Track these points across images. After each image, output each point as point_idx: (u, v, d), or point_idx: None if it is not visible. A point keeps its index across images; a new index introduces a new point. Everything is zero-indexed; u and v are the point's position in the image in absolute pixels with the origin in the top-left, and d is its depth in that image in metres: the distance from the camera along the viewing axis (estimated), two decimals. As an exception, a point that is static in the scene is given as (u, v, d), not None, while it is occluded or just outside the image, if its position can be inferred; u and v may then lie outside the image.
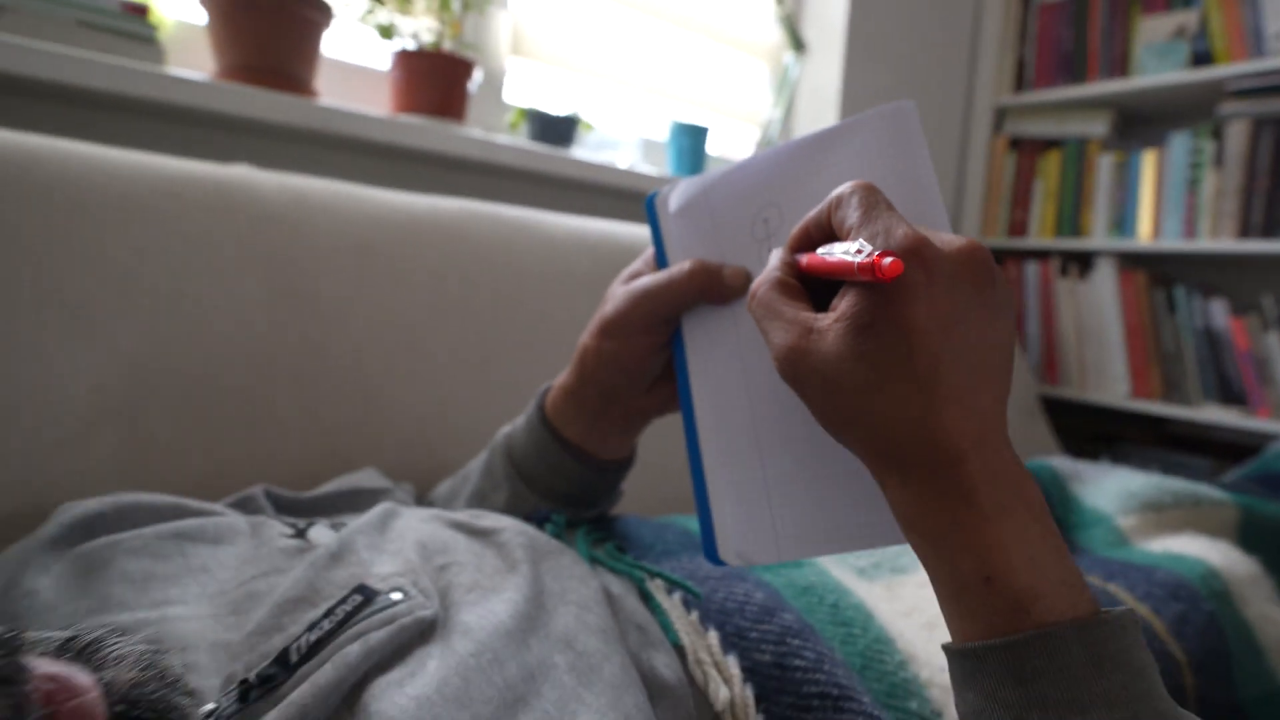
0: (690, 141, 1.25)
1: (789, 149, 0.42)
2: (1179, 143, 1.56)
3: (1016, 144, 1.79)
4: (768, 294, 0.33)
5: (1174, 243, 1.55)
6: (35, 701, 0.24)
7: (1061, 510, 0.84)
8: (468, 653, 0.32)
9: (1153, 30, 1.60)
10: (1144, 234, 1.60)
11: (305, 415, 0.64)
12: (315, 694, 0.29)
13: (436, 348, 0.72)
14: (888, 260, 0.28)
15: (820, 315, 0.31)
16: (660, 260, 0.45)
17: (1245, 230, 1.47)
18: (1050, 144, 1.75)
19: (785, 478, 0.39)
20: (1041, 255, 1.73)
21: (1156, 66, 1.58)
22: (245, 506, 0.50)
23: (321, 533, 0.44)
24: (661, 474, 0.77)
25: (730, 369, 0.41)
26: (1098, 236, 1.66)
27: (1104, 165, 1.66)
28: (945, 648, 0.29)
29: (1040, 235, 1.74)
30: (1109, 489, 0.88)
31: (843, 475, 0.37)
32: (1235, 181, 1.48)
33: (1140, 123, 1.74)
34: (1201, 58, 1.54)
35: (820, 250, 0.33)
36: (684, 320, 0.44)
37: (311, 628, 0.33)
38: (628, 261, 0.94)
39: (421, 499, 0.62)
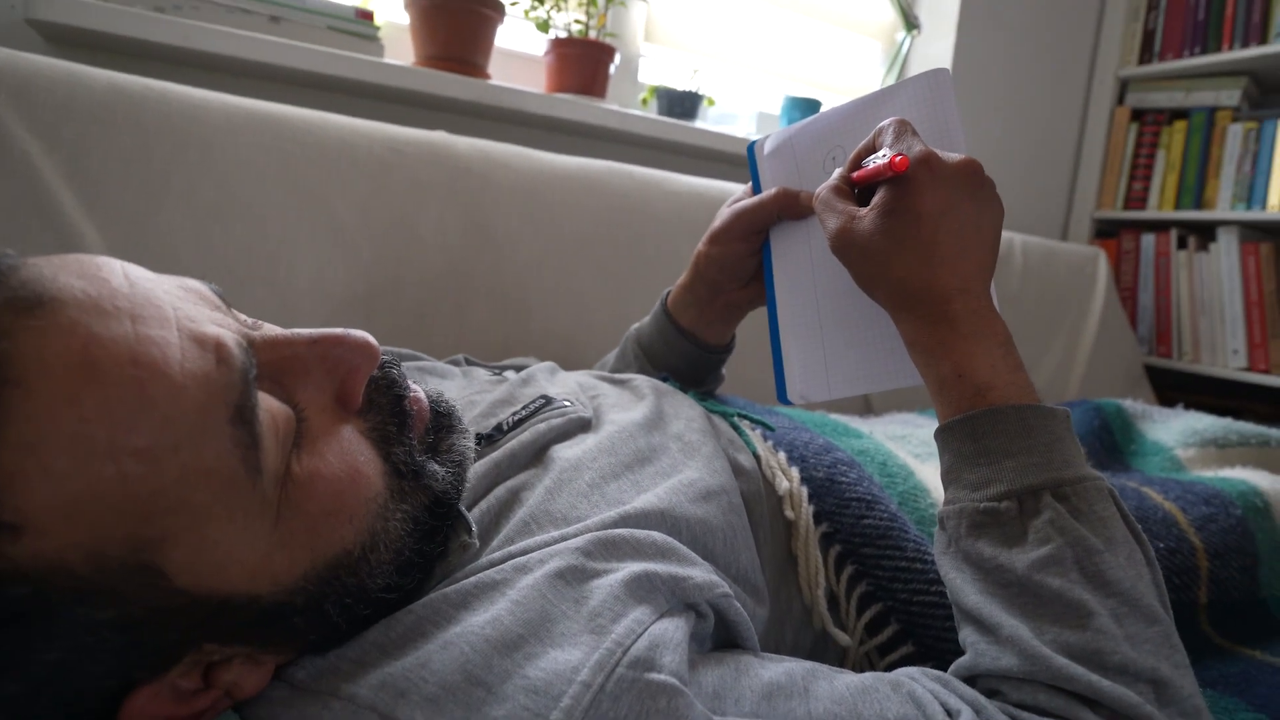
0: (801, 114, 1.38)
1: (852, 106, 0.57)
2: (1315, 111, 1.52)
3: (1139, 115, 1.79)
4: (826, 194, 0.49)
5: (1303, 213, 1.52)
6: (406, 380, 0.41)
7: (1121, 439, 0.93)
8: (614, 431, 0.50)
9: (1293, -5, 1.56)
10: (1274, 203, 1.57)
11: (487, 316, 0.85)
12: (520, 445, 0.47)
13: (580, 276, 0.92)
14: (898, 158, 0.43)
15: (862, 208, 0.47)
16: (756, 190, 0.61)
17: (1383, 200, 1.43)
18: (1176, 114, 1.74)
19: (836, 339, 0.54)
20: (1159, 227, 1.73)
21: (1295, 32, 1.55)
22: (454, 364, 0.70)
23: (510, 374, 0.63)
24: (752, 379, 0.94)
25: (802, 264, 0.57)
26: (1222, 207, 1.65)
27: (1233, 135, 1.64)
28: (935, 434, 0.44)
29: (1160, 207, 1.73)
30: (1175, 427, 0.95)
31: (875, 336, 0.53)
32: (1374, 150, 1.44)
33: (1276, 90, 1.70)
34: (1346, 22, 1.50)
35: (865, 160, 0.48)
36: (771, 232, 0.60)
37: (514, 414, 0.51)
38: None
39: (570, 386, 0.82)
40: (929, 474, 0.68)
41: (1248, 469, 0.88)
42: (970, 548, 0.40)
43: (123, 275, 0.31)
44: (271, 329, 0.35)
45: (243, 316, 0.35)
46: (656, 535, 0.39)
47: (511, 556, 0.37)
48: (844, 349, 0.54)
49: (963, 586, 0.40)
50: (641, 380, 0.60)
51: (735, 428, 0.59)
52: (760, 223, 0.59)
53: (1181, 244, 1.70)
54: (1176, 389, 1.70)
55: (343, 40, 0.99)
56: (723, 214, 0.61)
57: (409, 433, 0.38)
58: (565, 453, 0.47)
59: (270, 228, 0.77)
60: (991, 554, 0.39)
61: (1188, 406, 1.72)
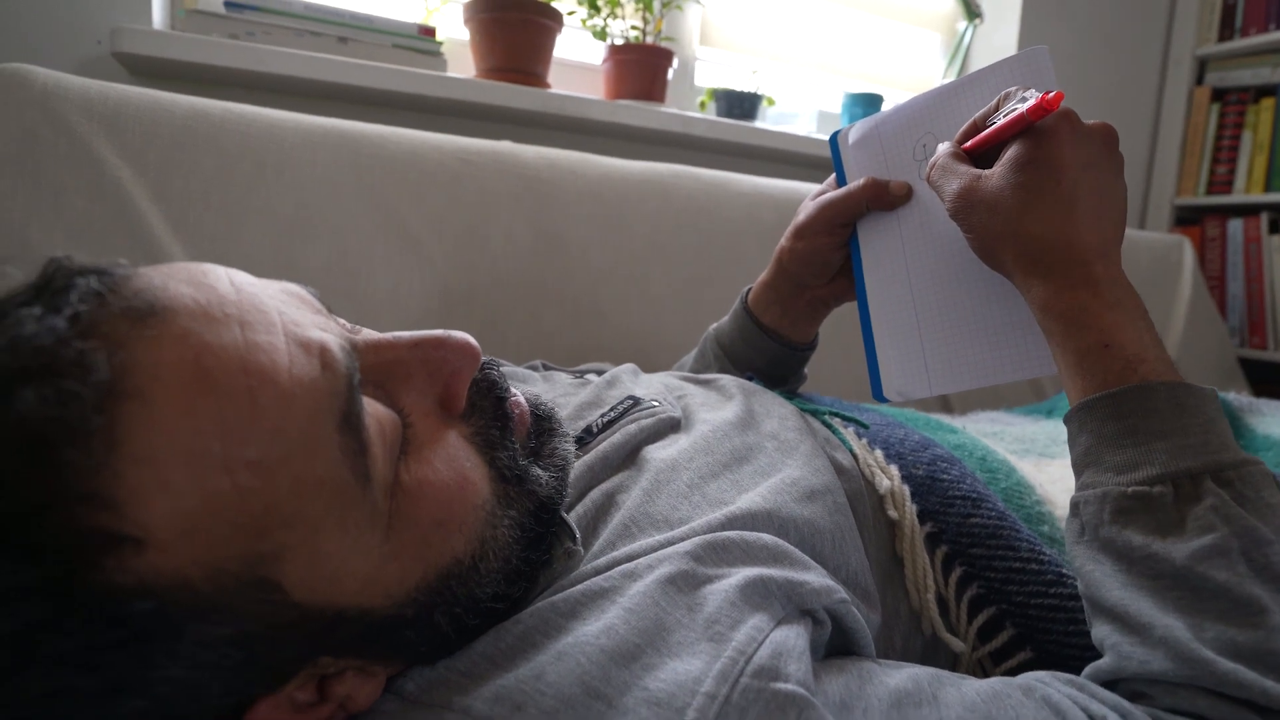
0: (862, 110, 1.35)
1: (941, 91, 0.54)
2: None
3: (1220, 95, 1.70)
4: (946, 160, 0.47)
5: None
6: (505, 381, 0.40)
7: (1230, 433, 0.87)
8: (707, 430, 0.48)
9: (1388, -41, 1.47)
10: (1374, 182, 1.48)
11: (559, 323, 0.85)
12: (611, 447, 0.46)
13: (652, 279, 0.91)
14: (1052, 94, 0.41)
15: (984, 170, 0.45)
16: (840, 182, 0.59)
17: None
18: (1262, 92, 1.65)
19: (934, 333, 0.52)
20: (1248, 211, 1.64)
21: (1392, -1, 1.45)
22: (533, 370, 0.70)
23: (591, 377, 0.62)
24: (836, 376, 0.91)
25: (894, 257, 0.55)
26: (1316, 188, 1.55)
27: (1326, 111, 1.54)
28: (1066, 415, 0.41)
29: (1247, 190, 1.64)
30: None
31: (980, 326, 0.50)
32: None
33: (1373, 62, 1.59)
34: None
35: (989, 120, 0.46)
36: (859, 225, 0.58)
37: (603, 416, 0.50)
38: (805, 215, 1.09)
39: (644, 390, 0.81)
40: (1029, 470, 0.65)
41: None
42: (1114, 535, 0.37)
43: (228, 281, 0.30)
44: (371, 334, 0.35)
45: (343, 321, 0.35)
46: (766, 537, 0.37)
47: (618, 563, 0.36)
48: (945, 342, 0.51)
49: (1102, 580, 0.37)
50: (727, 380, 0.59)
51: (828, 425, 0.57)
52: (848, 215, 0.57)
53: (1274, 228, 1.60)
54: (1274, 381, 1.60)
55: (407, 57, 1.00)
56: (807, 207, 0.59)
57: (512, 437, 0.37)
58: (659, 454, 0.45)
59: (347, 242, 0.78)
60: (1142, 543, 0.36)
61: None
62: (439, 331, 0.34)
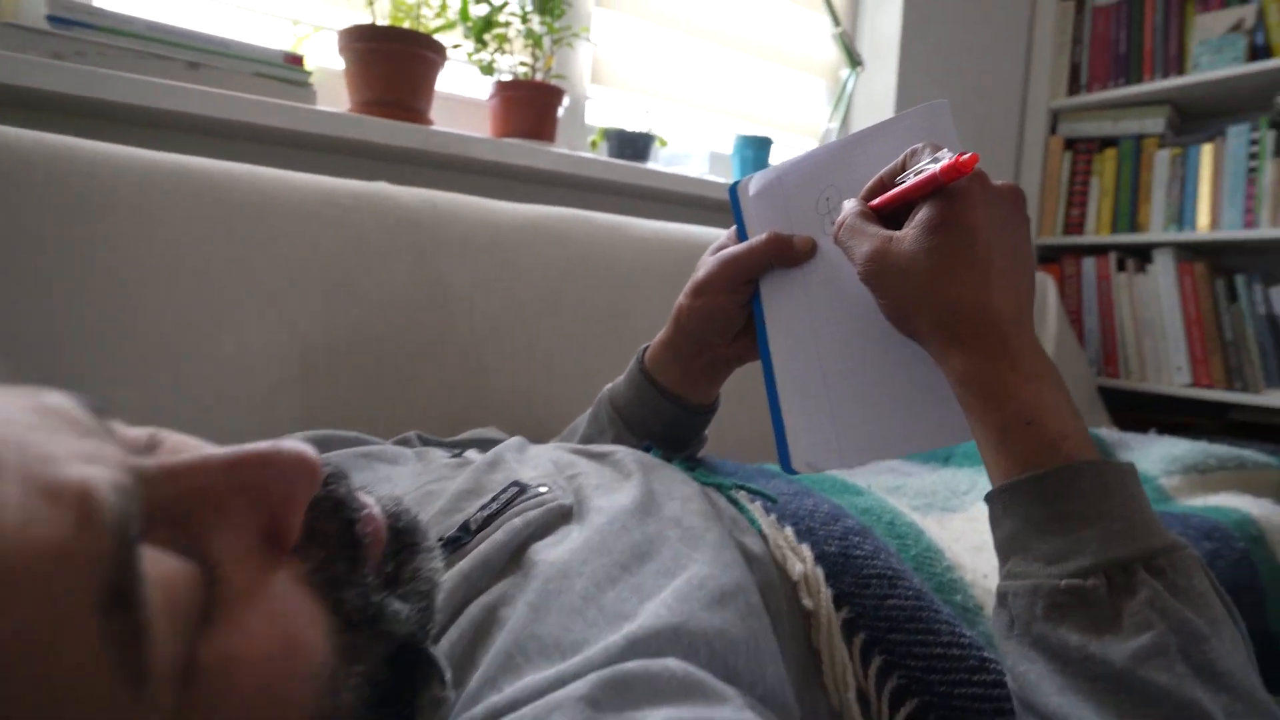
0: (754, 152, 1.36)
1: (843, 143, 0.53)
2: (1237, 135, 1.59)
3: (1072, 144, 1.84)
4: (854, 220, 0.45)
5: (1234, 232, 1.57)
6: (358, 494, 0.34)
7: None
8: (603, 522, 0.43)
9: (1208, 26, 1.64)
10: (1203, 225, 1.63)
11: (438, 384, 0.78)
12: (492, 549, 0.40)
13: (543, 331, 0.85)
14: (966, 155, 0.39)
15: (895, 230, 0.43)
16: (741, 235, 0.56)
17: (1307, 218, 1.49)
18: (1106, 142, 1.80)
19: (846, 400, 0.49)
20: (1098, 251, 1.77)
21: (1212, 62, 1.62)
22: (406, 444, 0.62)
23: (474, 454, 0.56)
24: (737, 431, 0.88)
25: (800, 317, 0.52)
26: (1155, 230, 1.69)
27: (1160, 161, 1.70)
28: (988, 495, 0.39)
29: (1097, 232, 1.78)
30: (1154, 454, 0.94)
31: (894, 392, 0.48)
32: (1295, 171, 1.51)
33: (1197, 117, 1.77)
34: (1260, 51, 1.57)
35: (897, 179, 0.44)
36: (761, 281, 0.55)
37: (483, 508, 0.44)
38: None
39: (537, 452, 0.75)
40: (934, 529, 0.63)
41: (1233, 494, 0.87)
42: (1048, 633, 0.35)
43: None
44: (174, 446, 0.27)
45: (133, 433, 0.27)
46: (673, 664, 0.32)
47: (498, 715, 0.30)
48: (855, 409, 0.49)
49: (1037, 683, 0.35)
50: (623, 452, 0.54)
51: (734, 501, 0.54)
52: (750, 271, 0.54)
53: (1121, 266, 1.74)
54: (1127, 409, 1.72)
55: (271, 87, 0.91)
56: (706, 263, 0.56)
57: (364, 568, 0.30)
58: (549, 554, 0.40)
59: (190, 297, 0.68)
60: (1079, 642, 0.33)
61: (1138, 426, 1.75)
62: (264, 446, 0.27)
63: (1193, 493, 0.89)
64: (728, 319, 0.56)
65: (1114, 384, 1.73)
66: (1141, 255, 1.72)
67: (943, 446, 0.47)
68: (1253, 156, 1.57)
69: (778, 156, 1.48)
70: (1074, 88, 1.84)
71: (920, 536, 0.59)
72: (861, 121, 1.64)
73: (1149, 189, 1.72)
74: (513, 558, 0.40)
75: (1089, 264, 1.77)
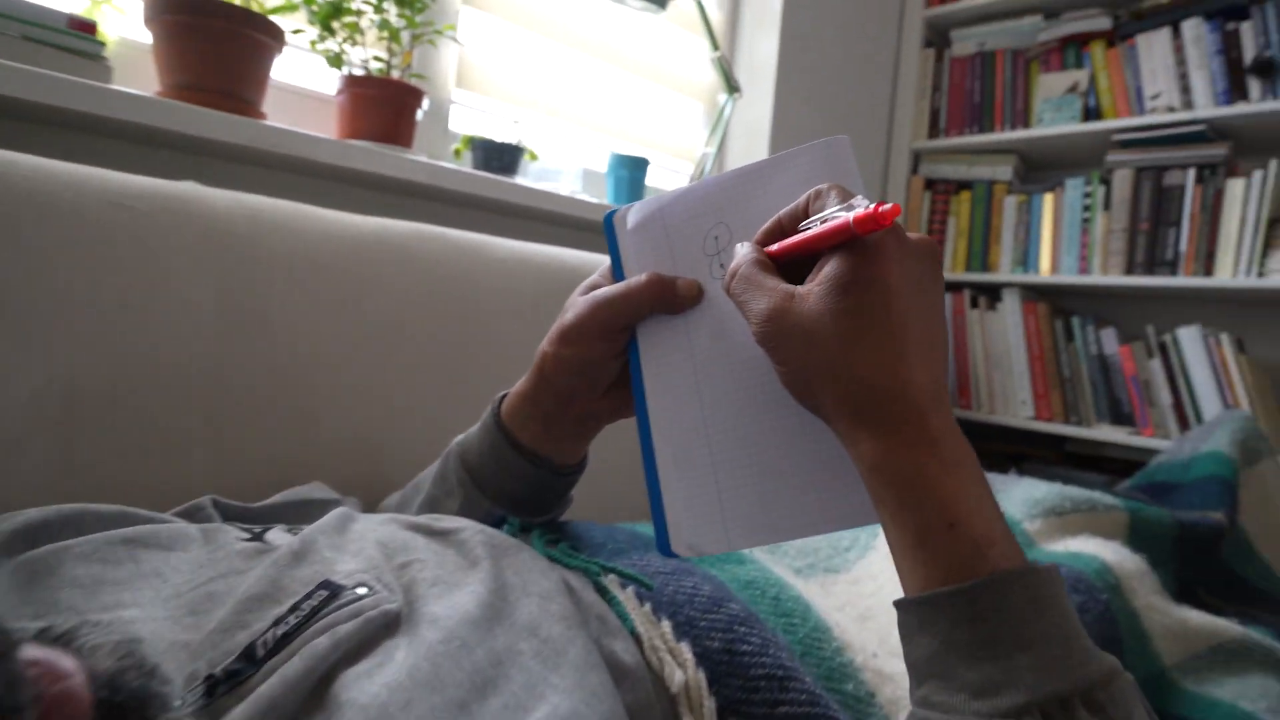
0: (629, 173, 1.30)
1: (736, 175, 0.46)
2: (1073, 187, 1.71)
3: (931, 184, 1.92)
4: (749, 269, 0.38)
5: (1070, 276, 1.68)
6: (28, 681, 0.25)
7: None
8: (436, 640, 0.34)
9: (1050, 86, 1.76)
10: (1044, 268, 1.73)
11: (252, 431, 0.64)
12: (284, 686, 0.30)
13: (386, 365, 0.74)
14: (887, 205, 0.32)
15: (798, 286, 0.36)
16: (617, 273, 0.49)
17: (1130, 267, 1.62)
18: (962, 185, 1.89)
19: (734, 472, 0.42)
20: (954, 288, 1.86)
21: (1053, 118, 1.73)
22: (193, 516, 0.49)
23: (278, 535, 0.44)
24: (609, 485, 0.80)
25: (682, 373, 0.45)
26: (1004, 270, 1.79)
27: (1009, 206, 1.80)
28: (899, 602, 0.33)
29: (953, 269, 1.86)
30: (1016, 497, 0.95)
31: (788, 469, 0.41)
32: (1121, 223, 1.64)
33: (1040, 168, 1.90)
34: (1092, 112, 1.70)
35: (801, 225, 0.38)
36: (639, 329, 0.47)
37: (277, 623, 0.33)
38: (573, 285, 0.96)
39: (369, 511, 0.63)
40: (819, 598, 0.58)
41: (1088, 538, 0.89)
42: None
43: None
44: None
45: None
46: None
47: None
48: (746, 484, 0.42)
49: None
50: (470, 531, 0.45)
51: (601, 589, 0.45)
52: (627, 318, 0.46)
53: (974, 303, 1.82)
54: (977, 439, 1.80)
55: (51, 57, 0.74)
56: (577, 305, 0.48)
57: None
58: (361, 689, 0.30)
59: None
60: None
61: (987, 456, 1.84)
62: None
63: (1052, 536, 0.90)
64: (600, 371, 0.48)
65: (967, 415, 1.81)
66: (992, 294, 1.81)
67: (847, 529, 0.41)
68: (1086, 208, 1.69)
69: (655, 179, 1.43)
70: (934, 131, 1.92)
71: (808, 613, 0.53)
72: (738, 148, 1.62)
73: (999, 231, 1.82)
74: (314, 695, 0.31)
75: (946, 300, 1.85)
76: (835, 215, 0.35)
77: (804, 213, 0.39)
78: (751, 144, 1.60)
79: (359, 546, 0.41)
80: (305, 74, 1.07)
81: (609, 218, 0.50)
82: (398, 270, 0.76)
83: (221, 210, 0.69)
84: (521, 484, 0.53)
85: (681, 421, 0.44)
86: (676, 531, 0.43)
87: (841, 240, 0.35)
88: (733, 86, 1.39)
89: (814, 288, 0.35)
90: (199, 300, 0.64)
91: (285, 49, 0.92)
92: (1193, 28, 1.57)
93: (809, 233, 0.36)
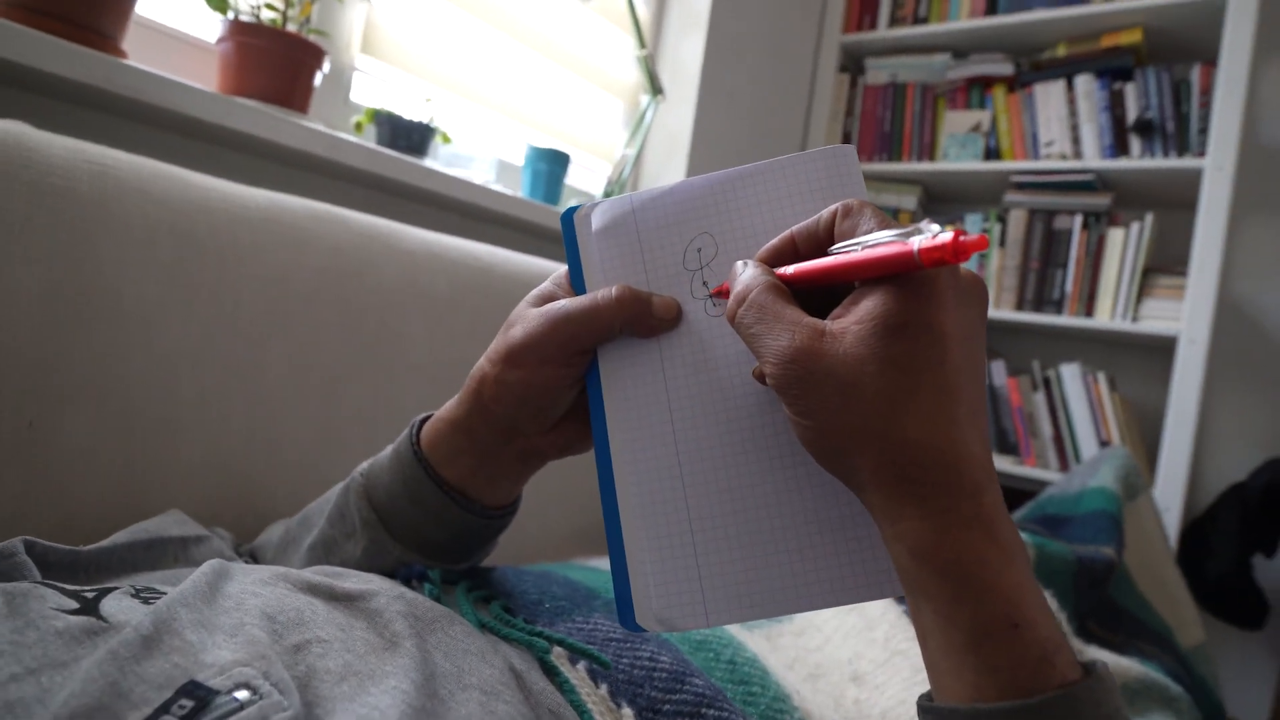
0: (548, 167, 1.21)
1: (722, 179, 0.39)
2: (972, 222, 1.77)
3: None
4: (764, 296, 0.31)
5: (967, 309, 1.74)
6: None
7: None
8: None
9: (955, 123, 1.82)
10: (942, 299, 1.79)
11: (93, 444, 0.51)
12: None
13: (269, 366, 0.62)
14: (970, 236, 0.26)
15: (826, 321, 0.29)
16: (577, 284, 0.41)
17: (1021, 303, 1.70)
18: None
19: (715, 532, 0.35)
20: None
21: (957, 154, 1.79)
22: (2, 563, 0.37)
23: (121, 604, 0.32)
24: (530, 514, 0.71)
25: (655, 410, 0.37)
26: (905, 298, 1.83)
27: (912, 235, 1.84)
28: (938, 710, 0.27)
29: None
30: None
31: (780, 531, 0.35)
32: (1015, 260, 1.71)
33: (943, 200, 1.96)
34: (992, 152, 1.77)
35: (837, 247, 0.31)
36: (601, 352, 0.39)
37: None
38: (492, 286, 0.87)
39: (242, 549, 0.52)
40: (769, 656, 0.52)
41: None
42: None
43: None
44: None
45: None
46: None
47: None
48: (730, 545, 0.35)
49: None
50: (384, 597, 0.35)
51: (550, 669, 0.37)
52: (590, 338, 0.38)
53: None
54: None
55: None
56: (528, 320, 0.39)
57: None
58: None
59: None
60: None
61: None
62: None
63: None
64: (551, 400, 0.40)
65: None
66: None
67: (853, 604, 0.35)
68: (983, 242, 1.76)
69: (575, 177, 1.35)
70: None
71: (766, 680, 0.47)
72: (657, 152, 1.57)
73: (901, 259, 1.86)
74: None
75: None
76: (881, 239, 0.29)
77: (825, 232, 0.32)
78: (672, 148, 1.55)
79: (236, 621, 0.31)
80: (180, 15, 0.91)
81: (568, 215, 0.42)
82: (289, 255, 0.64)
83: (58, 164, 0.54)
84: (442, 529, 0.43)
85: (651, 467, 0.37)
86: (643, 600, 0.36)
87: (895, 271, 0.28)
88: (657, 88, 1.33)
89: (851, 325, 0.29)
90: (23, 277, 0.50)
91: (156, -20, 0.78)
92: (1085, 83, 1.67)
93: (849, 257, 0.30)
